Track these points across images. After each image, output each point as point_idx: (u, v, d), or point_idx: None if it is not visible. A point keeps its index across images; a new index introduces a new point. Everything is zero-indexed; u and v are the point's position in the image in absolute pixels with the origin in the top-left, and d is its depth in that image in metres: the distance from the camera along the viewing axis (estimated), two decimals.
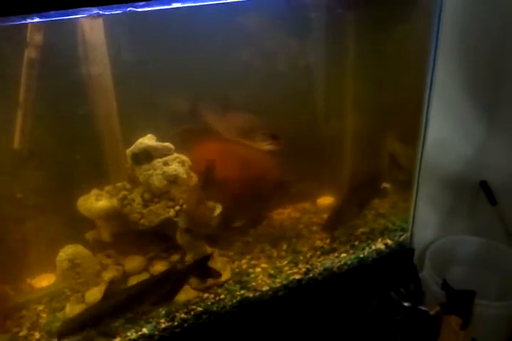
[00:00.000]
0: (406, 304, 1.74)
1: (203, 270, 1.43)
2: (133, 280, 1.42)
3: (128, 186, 1.43)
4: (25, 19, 1.02)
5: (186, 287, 1.44)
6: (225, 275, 1.48)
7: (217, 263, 1.50)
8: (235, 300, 1.44)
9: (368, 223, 1.75)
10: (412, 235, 1.72)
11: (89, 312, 1.28)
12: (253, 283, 1.49)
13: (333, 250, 1.63)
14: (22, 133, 1.32)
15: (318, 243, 1.66)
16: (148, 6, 1.07)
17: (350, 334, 1.60)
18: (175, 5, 1.08)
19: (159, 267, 1.44)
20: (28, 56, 1.25)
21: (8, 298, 1.40)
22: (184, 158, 1.44)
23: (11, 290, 1.42)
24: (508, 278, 2.13)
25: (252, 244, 1.64)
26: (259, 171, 1.63)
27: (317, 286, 1.54)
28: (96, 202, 1.38)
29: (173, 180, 1.39)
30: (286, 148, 1.43)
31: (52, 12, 0.99)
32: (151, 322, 1.35)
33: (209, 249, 1.50)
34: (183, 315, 1.37)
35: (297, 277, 1.52)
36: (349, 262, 1.59)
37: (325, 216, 1.75)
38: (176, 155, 1.43)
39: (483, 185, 2.20)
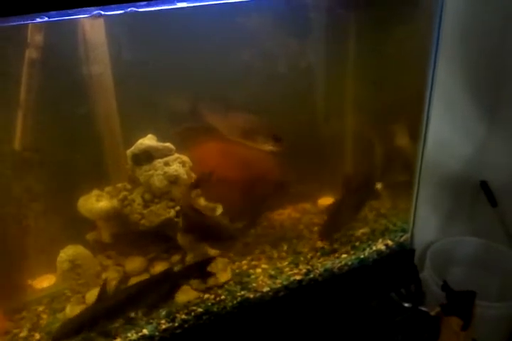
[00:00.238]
0: (406, 305, 1.74)
1: (202, 272, 1.43)
2: (134, 281, 1.41)
3: (128, 187, 1.43)
4: (26, 19, 1.02)
5: (186, 288, 1.44)
6: (226, 276, 1.48)
7: (218, 264, 1.49)
8: (235, 301, 1.43)
9: (368, 224, 1.74)
10: (412, 236, 1.71)
11: (84, 315, 1.27)
12: (254, 284, 1.48)
13: (334, 251, 1.62)
14: (22, 133, 1.32)
15: (319, 244, 1.65)
16: (150, 6, 1.07)
17: (350, 335, 1.60)
18: (177, 5, 1.07)
19: (160, 268, 1.44)
20: (29, 56, 1.25)
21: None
22: (185, 158, 1.44)
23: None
24: (508, 279, 2.13)
25: (252, 244, 1.63)
26: (260, 171, 1.63)
27: (318, 287, 1.54)
28: (96, 202, 1.38)
29: (173, 180, 1.38)
30: (287, 149, 1.43)
31: (53, 12, 0.99)
32: (151, 323, 1.35)
33: (212, 251, 1.50)
34: (183, 316, 1.37)
35: (298, 278, 1.52)
36: (350, 263, 1.59)
37: (326, 217, 1.75)
38: (176, 155, 1.42)
39: (484, 186, 2.20)
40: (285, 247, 1.64)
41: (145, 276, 1.43)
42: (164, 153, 1.40)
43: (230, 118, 1.53)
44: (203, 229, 1.46)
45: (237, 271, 1.53)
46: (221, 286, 1.46)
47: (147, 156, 1.38)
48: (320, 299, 1.56)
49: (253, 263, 1.57)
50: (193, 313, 1.38)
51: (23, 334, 1.34)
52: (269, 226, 1.73)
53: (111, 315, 1.29)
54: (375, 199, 1.82)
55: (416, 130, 1.63)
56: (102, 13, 1.09)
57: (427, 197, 1.97)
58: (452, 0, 1.49)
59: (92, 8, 1.06)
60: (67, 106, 1.34)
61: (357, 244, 1.66)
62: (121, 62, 1.37)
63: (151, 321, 1.35)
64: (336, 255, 1.61)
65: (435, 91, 1.55)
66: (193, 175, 1.46)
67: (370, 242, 1.67)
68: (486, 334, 1.92)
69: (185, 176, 1.40)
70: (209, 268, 1.46)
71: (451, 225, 2.24)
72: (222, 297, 1.43)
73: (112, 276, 1.40)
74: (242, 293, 1.45)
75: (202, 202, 1.47)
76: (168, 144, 1.41)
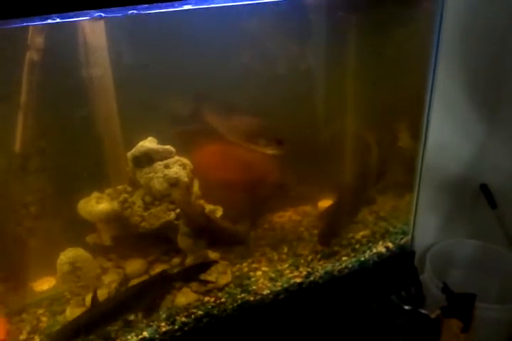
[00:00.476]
0: (407, 307, 1.74)
1: (197, 276, 1.44)
2: (134, 283, 1.41)
3: (129, 189, 1.43)
4: (26, 22, 1.02)
5: (186, 290, 1.44)
6: (226, 279, 1.48)
7: (218, 266, 1.49)
8: (235, 304, 1.43)
9: (368, 226, 1.74)
10: (413, 238, 1.71)
11: (79, 320, 1.26)
12: (254, 287, 1.48)
13: (334, 253, 1.62)
14: (23, 136, 1.32)
15: (319, 246, 1.65)
16: (151, 8, 1.07)
17: (351, 338, 1.60)
18: (178, 8, 1.07)
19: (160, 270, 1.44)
20: (30, 58, 1.25)
21: None
22: (185, 161, 1.44)
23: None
24: (508, 281, 2.13)
25: (252, 247, 1.63)
26: (260, 174, 1.63)
27: (318, 290, 1.53)
28: (97, 204, 1.38)
29: (174, 182, 1.38)
30: (288, 152, 1.43)
31: (53, 15, 0.99)
32: (151, 326, 1.34)
33: (212, 254, 1.50)
34: (183, 319, 1.37)
35: (298, 280, 1.52)
36: (350, 265, 1.59)
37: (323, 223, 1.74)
38: (177, 158, 1.42)
39: (484, 188, 2.20)
40: (285, 249, 1.63)
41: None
42: (164, 156, 1.40)
43: (231, 121, 1.52)
44: (212, 234, 1.47)
45: (237, 273, 1.53)
46: (221, 289, 1.46)
47: (148, 159, 1.38)
48: (320, 302, 1.56)
49: (253, 265, 1.57)
50: (193, 316, 1.38)
51: (23, 336, 1.33)
52: (269, 229, 1.73)
53: (107, 319, 1.28)
54: (370, 204, 1.82)
55: (416, 132, 1.63)
56: (103, 15, 1.09)
57: (427, 200, 1.97)
58: (452, 2, 1.48)
59: (93, 10, 1.06)
60: (67, 108, 1.34)
61: (357, 246, 1.66)
62: (121, 65, 1.37)
63: (151, 324, 1.35)
64: (337, 257, 1.61)
65: (435, 93, 1.55)
66: (194, 178, 1.46)
67: (370, 244, 1.67)
68: (486, 336, 1.92)
69: (185, 179, 1.40)
70: (209, 271, 1.46)
71: (451, 227, 2.24)
72: (223, 299, 1.43)
73: (112, 279, 1.40)
74: (243, 295, 1.45)
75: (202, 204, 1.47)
76: (168, 147, 1.41)
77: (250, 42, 1.50)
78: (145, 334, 1.32)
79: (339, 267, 1.58)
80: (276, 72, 1.59)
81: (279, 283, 1.50)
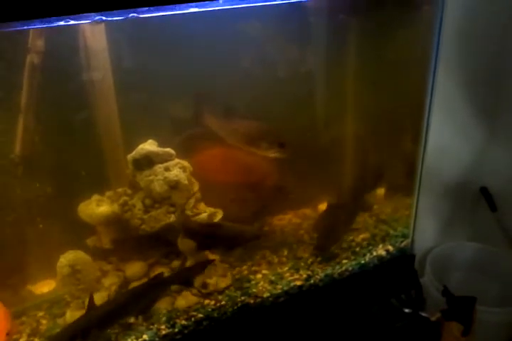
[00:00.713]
0: (407, 310, 1.73)
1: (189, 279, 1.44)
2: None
3: (129, 192, 1.43)
4: (27, 25, 1.02)
5: (186, 293, 1.44)
6: (226, 282, 1.48)
7: (218, 269, 1.49)
8: (235, 307, 1.43)
9: (369, 229, 1.74)
10: (413, 241, 1.71)
11: (75, 325, 1.25)
12: (254, 290, 1.48)
13: (334, 256, 1.62)
14: (23, 138, 1.32)
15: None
16: (151, 12, 1.07)
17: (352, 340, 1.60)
18: (177, 11, 1.07)
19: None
20: (30, 62, 1.25)
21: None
22: (185, 163, 1.44)
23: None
24: (508, 284, 2.12)
25: (252, 250, 1.63)
26: (259, 177, 1.63)
27: (318, 292, 1.53)
28: (97, 207, 1.38)
29: (174, 185, 1.38)
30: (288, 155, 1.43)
31: (54, 18, 1.00)
32: (151, 329, 1.34)
33: (211, 256, 1.50)
34: (183, 322, 1.37)
35: (298, 283, 1.52)
36: (350, 268, 1.59)
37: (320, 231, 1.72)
38: (177, 160, 1.43)
39: (484, 191, 2.19)
40: (285, 252, 1.64)
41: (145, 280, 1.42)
42: (165, 158, 1.41)
43: (233, 125, 1.52)
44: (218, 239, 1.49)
45: (237, 276, 1.53)
46: (221, 292, 1.46)
47: (148, 161, 1.38)
48: (320, 305, 1.56)
49: (253, 268, 1.57)
50: (193, 319, 1.38)
51: (23, 339, 1.33)
52: (269, 232, 1.72)
53: (103, 324, 1.27)
54: (366, 211, 1.81)
55: (416, 136, 1.63)
56: (104, 18, 1.09)
57: (427, 203, 1.97)
58: (452, 4, 1.49)
59: (94, 14, 1.07)
60: (68, 111, 1.35)
61: (357, 249, 1.66)
62: (121, 68, 1.37)
63: (151, 327, 1.35)
64: (337, 260, 1.61)
65: (435, 97, 1.55)
66: (194, 180, 1.46)
67: (370, 248, 1.67)
68: (486, 339, 1.91)
69: (185, 181, 1.40)
70: (209, 274, 1.46)
71: (452, 230, 2.23)
72: (223, 302, 1.43)
73: (112, 281, 1.40)
74: (243, 298, 1.45)
75: (202, 207, 1.47)
76: (168, 149, 1.41)
77: (250, 46, 1.50)
78: (145, 337, 1.32)
79: (339, 270, 1.58)
80: (276, 76, 1.60)
81: (279, 286, 1.50)
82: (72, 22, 1.04)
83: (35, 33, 1.21)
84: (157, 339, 1.33)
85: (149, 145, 1.39)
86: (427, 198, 1.89)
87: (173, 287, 1.43)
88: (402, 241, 1.70)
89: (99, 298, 1.35)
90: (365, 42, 1.66)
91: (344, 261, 1.60)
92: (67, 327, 1.26)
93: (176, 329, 1.35)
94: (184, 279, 1.44)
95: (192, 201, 1.44)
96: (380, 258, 1.64)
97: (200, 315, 1.39)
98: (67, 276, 1.34)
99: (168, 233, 1.42)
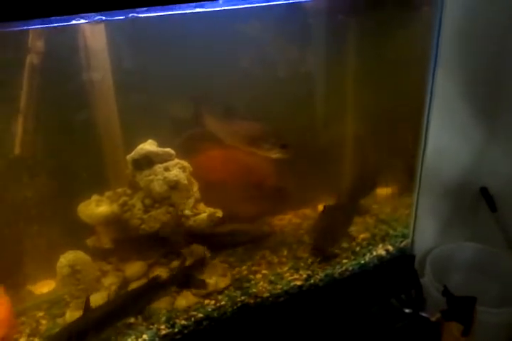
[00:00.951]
0: (407, 310, 1.73)
1: (187, 280, 1.43)
2: (133, 286, 1.41)
3: (128, 192, 1.43)
4: (26, 25, 1.03)
5: (186, 293, 1.44)
6: (226, 282, 1.48)
7: (218, 269, 1.49)
8: (235, 307, 1.43)
9: (369, 229, 1.74)
10: (413, 241, 1.71)
11: (71, 327, 1.25)
12: (254, 290, 1.48)
13: (334, 256, 1.62)
14: (23, 139, 1.32)
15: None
16: (150, 12, 1.07)
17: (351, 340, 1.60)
18: (179, 11, 1.08)
19: (159, 273, 1.43)
20: (30, 62, 1.25)
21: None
22: (185, 163, 1.44)
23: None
24: (508, 284, 2.12)
25: (252, 250, 1.63)
26: (259, 177, 1.63)
27: (318, 292, 1.53)
28: (96, 207, 1.38)
29: (173, 185, 1.39)
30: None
31: (54, 18, 1.00)
32: (151, 329, 1.34)
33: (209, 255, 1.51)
34: (183, 322, 1.37)
35: (298, 283, 1.51)
36: (350, 268, 1.59)
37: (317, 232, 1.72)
38: (176, 160, 1.43)
39: (484, 192, 2.19)
40: (285, 252, 1.64)
41: (144, 281, 1.42)
42: (164, 158, 1.41)
43: (233, 126, 1.52)
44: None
45: (237, 276, 1.53)
46: (221, 292, 1.46)
47: (147, 161, 1.38)
48: (320, 304, 1.56)
49: (253, 268, 1.57)
50: (193, 319, 1.38)
51: (23, 339, 1.33)
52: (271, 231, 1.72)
53: (99, 326, 1.27)
54: (361, 214, 1.81)
55: (416, 137, 1.63)
56: (104, 18, 1.09)
57: (427, 203, 1.97)
58: (451, 5, 1.49)
59: (94, 14, 1.07)
60: (67, 111, 1.35)
61: (357, 249, 1.66)
62: (121, 68, 1.37)
63: (151, 326, 1.35)
64: (337, 260, 1.60)
65: (435, 97, 1.55)
66: (193, 181, 1.46)
67: (370, 247, 1.66)
68: (486, 339, 1.91)
69: (185, 181, 1.40)
70: (208, 274, 1.46)
71: (452, 231, 2.23)
72: (223, 302, 1.43)
73: (111, 281, 1.40)
74: (243, 298, 1.45)
75: (201, 207, 1.47)
76: (168, 149, 1.41)
77: (250, 46, 1.50)
78: (145, 337, 1.32)
79: (339, 270, 1.57)
80: (275, 76, 1.60)
81: (279, 286, 1.50)
82: (73, 22, 1.04)
83: (35, 33, 1.22)
84: (157, 339, 1.33)
85: (149, 145, 1.39)
86: (427, 198, 1.89)
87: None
88: (401, 241, 1.70)
89: (99, 298, 1.35)
90: (365, 43, 1.67)
91: (344, 261, 1.60)
92: (63, 328, 1.26)
93: (176, 329, 1.35)
94: (182, 280, 1.44)
95: (192, 201, 1.43)
96: (380, 258, 1.64)
97: (200, 315, 1.39)
98: (67, 276, 1.34)
99: (168, 233, 1.42)
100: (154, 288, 1.37)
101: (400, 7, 1.56)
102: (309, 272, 1.55)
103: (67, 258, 1.34)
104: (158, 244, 1.45)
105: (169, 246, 1.46)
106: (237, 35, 1.44)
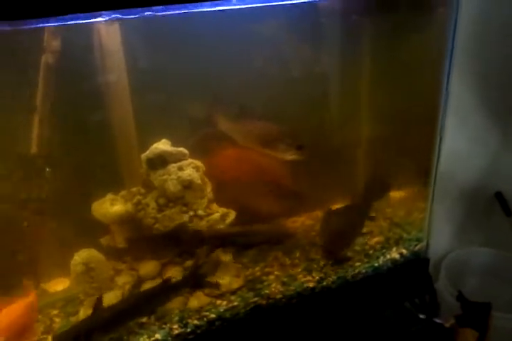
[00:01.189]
0: (421, 316, 1.72)
1: (198, 281, 1.43)
2: (147, 286, 1.41)
3: (143, 191, 1.44)
4: (41, 23, 1.04)
5: (199, 293, 1.44)
6: (239, 282, 1.48)
7: (231, 270, 1.49)
8: (248, 308, 1.43)
9: (383, 232, 1.73)
10: (427, 245, 1.70)
11: (79, 327, 1.26)
12: (266, 291, 1.47)
13: (347, 259, 1.61)
14: (38, 138, 1.34)
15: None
16: (167, 10, 1.08)
17: None
18: (196, 9, 1.08)
19: (173, 272, 1.44)
20: (45, 61, 1.27)
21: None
22: (199, 163, 1.44)
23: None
24: None
25: (265, 251, 1.62)
26: (274, 178, 1.63)
27: (331, 295, 1.52)
28: (111, 206, 1.39)
29: (187, 185, 1.39)
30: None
31: (69, 16, 1.01)
32: (164, 328, 1.34)
33: (222, 255, 1.50)
34: (195, 322, 1.36)
35: (311, 285, 1.51)
36: (363, 271, 1.57)
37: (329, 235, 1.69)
38: (190, 160, 1.43)
39: (499, 196, 2.18)
40: (298, 254, 1.63)
41: (158, 281, 1.42)
42: (178, 158, 1.41)
43: (247, 126, 1.52)
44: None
45: (249, 277, 1.52)
46: (234, 292, 1.46)
47: (161, 161, 1.39)
48: (333, 307, 1.55)
49: (266, 269, 1.56)
50: (205, 319, 1.37)
51: (36, 337, 1.33)
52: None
53: (107, 327, 1.28)
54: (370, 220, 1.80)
55: (430, 140, 1.62)
56: (120, 16, 1.10)
57: (442, 208, 1.96)
58: (466, 7, 1.48)
59: (109, 12, 1.08)
60: (82, 111, 1.36)
61: (371, 252, 1.64)
62: (137, 68, 1.39)
63: (164, 326, 1.35)
64: (350, 263, 1.59)
65: (449, 102, 1.55)
66: (207, 181, 1.46)
67: (384, 250, 1.65)
68: None
69: (199, 181, 1.41)
70: (221, 275, 1.46)
71: (467, 235, 2.22)
72: (235, 303, 1.43)
73: (125, 280, 1.41)
74: (255, 299, 1.45)
75: (214, 207, 1.47)
76: (182, 149, 1.42)
77: (264, 46, 1.51)
78: (157, 336, 1.32)
79: (352, 272, 1.56)
80: (290, 76, 1.60)
81: (291, 288, 1.49)
82: (88, 20, 1.06)
83: (51, 31, 1.23)
84: (169, 338, 1.32)
85: (163, 145, 1.40)
86: (442, 203, 1.89)
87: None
88: (416, 245, 1.68)
89: (113, 297, 1.36)
90: (380, 45, 1.67)
91: (357, 264, 1.59)
92: (71, 327, 1.27)
93: (189, 329, 1.35)
94: (194, 282, 1.44)
95: (205, 201, 1.44)
96: (393, 261, 1.63)
97: (213, 315, 1.38)
98: (80, 274, 1.35)
99: (182, 233, 1.42)
100: (166, 290, 1.37)
101: (415, 9, 1.56)
102: (322, 274, 1.54)
103: (81, 256, 1.35)
104: (172, 243, 1.45)
105: (183, 246, 1.46)
106: (252, 35, 1.44)
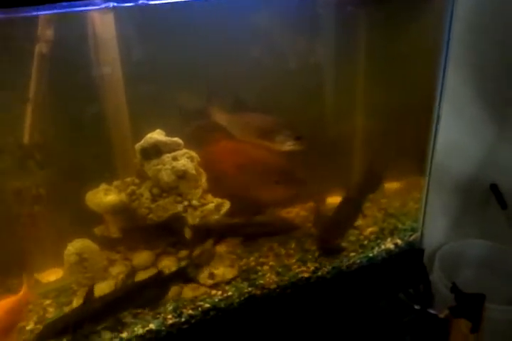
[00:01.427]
0: (415, 307, 1.72)
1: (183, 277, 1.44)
2: (141, 275, 1.41)
3: (137, 181, 1.43)
4: (36, 11, 1.03)
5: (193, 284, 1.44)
6: (233, 273, 1.48)
7: (225, 260, 1.49)
8: (242, 298, 1.43)
9: (377, 223, 1.73)
10: (422, 235, 1.70)
11: (69, 317, 1.26)
12: (261, 281, 1.47)
13: (341, 250, 1.61)
14: (31, 128, 1.33)
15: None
16: None
17: (357, 334, 1.59)
18: None
19: (167, 262, 1.44)
20: (39, 50, 1.26)
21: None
22: (193, 154, 1.44)
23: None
24: None
25: (260, 241, 1.62)
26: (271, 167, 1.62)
27: (325, 285, 1.52)
28: (105, 196, 1.38)
29: (181, 175, 1.38)
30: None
31: (64, 3, 1.00)
32: (158, 318, 1.34)
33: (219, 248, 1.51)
34: (190, 311, 1.36)
35: (306, 275, 1.51)
36: (358, 261, 1.58)
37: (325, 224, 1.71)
38: (184, 150, 1.42)
39: (494, 188, 2.18)
40: (293, 245, 1.63)
41: (152, 271, 1.42)
42: (172, 148, 1.41)
43: (244, 118, 1.52)
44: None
45: (244, 267, 1.53)
46: (228, 282, 1.46)
47: (156, 150, 1.38)
48: (328, 297, 1.55)
49: (261, 260, 1.57)
50: (200, 309, 1.37)
51: (30, 327, 1.33)
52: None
53: (97, 318, 1.27)
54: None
55: (426, 132, 1.62)
56: (115, 5, 1.10)
57: (437, 200, 1.96)
58: (462, 1, 1.48)
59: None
60: (76, 101, 1.36)
61: (365, 242, 1.65)
62: (131, 57, 1.38)
63: (158, 316, 1.35)
64: (345, 253, 1.60)
65: (445, 93, 1.54)
66: (201, 171, 1.46)
67: (379, 241, 1.66)
68: (495, 337, 1.89)
69: (193, 171, 1.40)
70: (215, 265, 1.46)
71: (461, 227, 2.22)
72: (230, 293, 1.43)
73: (119, 270, 1.41)
74: (250, 289, 1.45)
75: (209, 197, 1.47)
76: (176, 139, 1.41)
77: (263, 36, 1.50)
78: (151, 326, 1.32)
79: (347, 263, 1.57)
80: (286, 69, 1.60)
81: (286, 278, 1.49)
82: (82, 8, 1.05)
83: (44, 20, 1.22)
84: (163, 328, 1.32)
85: (157, 135, 1.39)
86: (437, 194, 1.89)
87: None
88: (410, 235, 1.69)
89: (107, 287, 1.36)
90: (375, 36, 1.66)
91: (352, 254, 1.59)
92: (60, 317, 1.27)
93: (183, 319, 1.35)
94: (184, 276, 1.44)
95: (199, 191, 1.43)
96: (388, 251, 1.63)
97: (207, 305, 1.38)
98: (74, 264, 1.35)
99: (176, 223, 1.42)
100: (156, 282, 1.37)
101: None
102: (317, 264, 1.54)
103: (74, 246, 1.35)
104: (165, 233, 1.45)
105: (176, 236, 1.46)
106: (248, 25, 1.43)
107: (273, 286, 1.47)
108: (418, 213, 1.72)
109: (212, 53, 1.43)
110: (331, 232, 1.61)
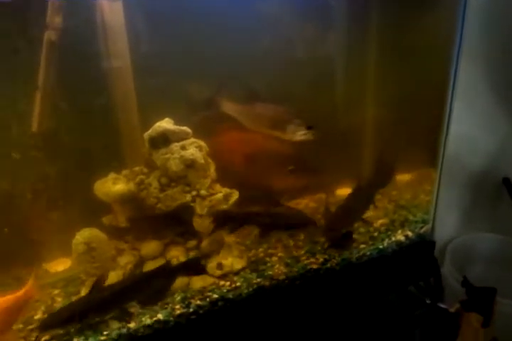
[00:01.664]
0: (426, 301, 1.70)
1: (196, 269, 1.43)
2: (149, 265, 1.41)
3: (145, 170, 1.43)
4: None
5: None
6: (242, 263, 1.47)
7: (234, 250, 1.48)
8: (251, 289, 1.42)
9: (388, 214, 1.72)
10: (433, 227, 1.68)
11: (75, 306, 1.25)
12: (270, 272, 1.46)
13: (352, 240, 1.59)
14: (41, 117, 1.33)
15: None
16: None
17: (366, 328, 1.57)
18: None
19: (175, 252, 1.43)
20: (48, 38, 1.26)
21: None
22: (202, 143, 1.42)
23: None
24: None
25: (269, 233, 1.61)
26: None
27: (335, 277, 1.51)
28: (113, 186, 1.38)
29: (190, 164, 1.37)
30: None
31: None
32: (166, 308, 1.33)
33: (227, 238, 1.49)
34: (198, 302, 1.35)
35: (314, 267, 1.49)
36: (368, 253, 1.56)
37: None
38: (193, 139, 1.41)
39: (506, 182, 2.15)
40: (302, 236, 1.62)
41: (160, 261, 1.41)
42: (181, 137, 1.40)
43: (255, 109, 1.50)
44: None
45: (253, 258, 1.52)
46: (237, 273, 1.45)
47: (164, 139, 1.37)
48: (337, 289, 1.53)
49: (269, 251, 1.56)
50: (208, 299, 1.36)
51: (38, 316, 1.33)
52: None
53: (103, 308, 1.27)
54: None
55: (438, 125, 1.60)
56: None
57: (448, 193, 1.94)
58: None
59: None
60: (85, 90, 1.35)
61: (375, 234, 1.63)
62: (140, 47, 1.37)
63: (166, 306, 1.34)
64: (354, 245, 1.58)
65: (457, 86, 1.52)
66: (210, 160, 1.45)
67: (389, 233, 1.64)
68: (506, 332, 1.87)
69: (201, 160, 1.39)
70: (224, 256, 1.45)
71: (473, 221, 2.19)
72: (238, 284, 1.42)
73: (127, 260, 1.40)
74: (258, 280, 1.44)
75: (218, 187, 1.45)
76: (185, 128, 1.40)
77: (272, 28, 1.49)
78: (159, 316, 1.31)
79: (357, 255, 1.55)
80: (299, 57, 1.59)
81: (295, 269, 1.48)
82: None
83: (53, 8, 1.22)
84: (171, 318, 1.31)
85: (166, 123, 1.38)
86: (449, 187, 1.87)
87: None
88: (421, 227, 1.67)
89: (115, 277, 1.36)
90: (388, 28, 1.65)
91: (362, 246, 1.58)
92: (66, 306, 1.26)
93: (191, 309, 1.34)
94: (193, 267, 1.43)
95: (208, 181, 1.42)
96: (399, 243, 1.61)
97: (216, 296, 1.37)
98: (82, 254, 1.34)
99: (184, 212, 1.41)
100: (163, 273, 1.36)
101: None
102: (326, 256, 1.53)
103: (82, 236, 1.34)
104: (174, 223, 1.44)
105: (185, 226, 1.45)
106: (259, 14, 1.42)
107: (282, 277, 1.46)
108: (429, 205, 1.70)
109: (223, 42, 1.42)
110: (337, 220, 1.58)
